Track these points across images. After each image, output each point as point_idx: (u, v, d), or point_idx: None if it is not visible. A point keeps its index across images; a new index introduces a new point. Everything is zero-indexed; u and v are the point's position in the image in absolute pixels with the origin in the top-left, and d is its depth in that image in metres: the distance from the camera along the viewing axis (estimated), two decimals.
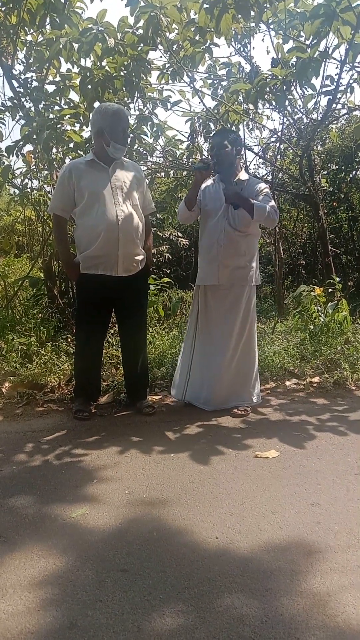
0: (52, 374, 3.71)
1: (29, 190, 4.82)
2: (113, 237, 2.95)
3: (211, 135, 3.57)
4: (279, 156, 6.25)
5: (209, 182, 3.30)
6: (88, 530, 2.02)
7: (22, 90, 4.34)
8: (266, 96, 4.31)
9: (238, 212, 3.12)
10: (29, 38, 4.48)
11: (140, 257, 3.13)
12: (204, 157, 3.19)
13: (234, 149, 3.18)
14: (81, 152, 4.27)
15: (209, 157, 3.12)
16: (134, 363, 3.31)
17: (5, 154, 4.34)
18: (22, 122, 4.21)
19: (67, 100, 4.34)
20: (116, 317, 3.34)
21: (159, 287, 5.63)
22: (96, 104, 3.83)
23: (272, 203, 3.17)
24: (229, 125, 4.92)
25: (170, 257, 7.57)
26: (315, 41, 3.46)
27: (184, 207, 3.20)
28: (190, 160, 5.49)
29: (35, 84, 4.38)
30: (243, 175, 3.26)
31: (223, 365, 3.24)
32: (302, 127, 5.94)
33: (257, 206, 3.06)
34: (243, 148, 3.43)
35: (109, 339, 4.28)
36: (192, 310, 3.42)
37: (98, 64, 3.97)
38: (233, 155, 3.18)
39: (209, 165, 3.05)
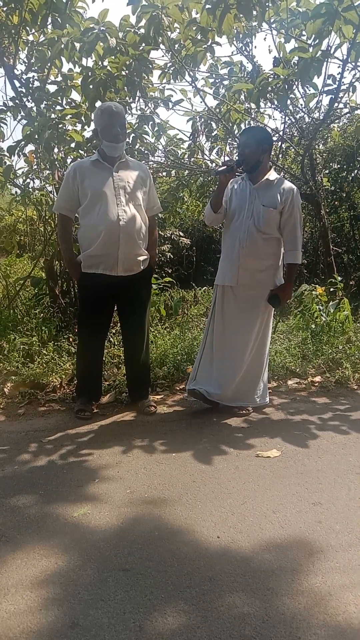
0: (53, 374, 3.71)
1: (30, 190, 4.82)
2: (114, 237, 2.95)
3: (240, 133, 3.50)
4: (280, 155, 6.23)
5: (238, 181, 3.23)
6: (90, 529, 2.02)
7: (23, 90, 4.35)
8: (268, 95, 4.31)
9: (263, 213, 3.06)
10: (30, 38, 4.48)
11: (142, 258, 3.12)
12: (227, 159, 3.16)
13: (260, 147, 3.07)
14: (82, 152, 4.28)
15: (233, 158, 3.08)
16: (135, 362, 3.31)
17: (7, 154, 4.34)
18: (24, 122, 4.21)
19: (69, 100, 4.35)
20: (118, 317, 3.33)
21: (161, 286, 5.63)
22: (98, 104, 3.83)
23: (296, 239, 3.11)
24: (230, 125, 4.91)
25: (172, 256, 7.56)
26: (317, 40, 3.45)
27: (210, 210, 3.17)
28: (192, 159, 5.49)
29: (37, 83, 4.39)
30: (272, 175, 3.14)
31: (238, 367, 3.21)
32: (304, 126, 5.93)
33: (294, 261, 3.13)
34: (272, 143, 3.31)
35: (111, 339, 4.29)
36: (211, 308, 3.37)
37: (100, 63, 3.97)
38: (259, 154, 3.07)
39: (232, 167, 2.99)
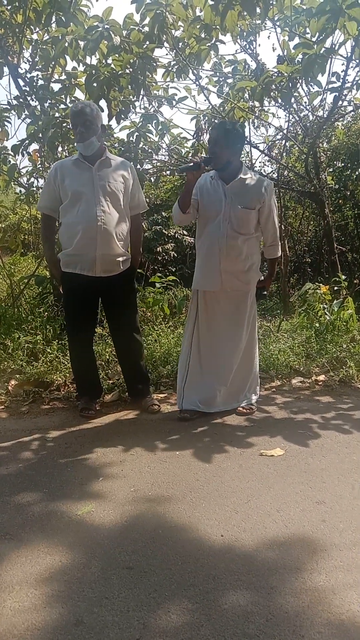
0: (57, 372, 3.72)
1: (34, 189, 4.83)
2: (91, 237, 2.91)
3: (211, 127, 3.44)
4: (284, 154, 6.23)
5: (207, 179, 3.08)
6: (94, 527, 2.03)
7: (28, 89, 4.36)
8: (272, 93, 4.30)
9: (241, 215, 2.98)
10: (34, 37, 4.49)
11: (121, 258, 3.04)
12: (196, 157, 3.09)
13: (232, 148, 2.94)
14: None
15: (202, 155, 3.03)
16: (127, 362, 3.31)
17: (12, 153, 4.36)
18: (28, 120, 4.22)
19: (73, 98, 4.35)
20: (106, 319, 3.31)
21: (165, 285, 5.63)
22: (102, 102, 3.84)
23: (276, 234, 3.17)
24: None
25: (176, 255, 7.58)
26: (321, 38, 3.44)
27: (178, 210, 3.01)
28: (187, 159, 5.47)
29: (41, 82, 4.39)
30: (245, 173, 3.02)
31: (232, 369, 3.19)
32: (308, 124, 5.93)
33: (276, 255, 3.28)
34: (245, 143, 3.19)
35: None
36: (189, 315, 3.26)
37: (104, 61, 3.97)
38: (229, 154, 2.94)
39: (198, 164, 2.83)
